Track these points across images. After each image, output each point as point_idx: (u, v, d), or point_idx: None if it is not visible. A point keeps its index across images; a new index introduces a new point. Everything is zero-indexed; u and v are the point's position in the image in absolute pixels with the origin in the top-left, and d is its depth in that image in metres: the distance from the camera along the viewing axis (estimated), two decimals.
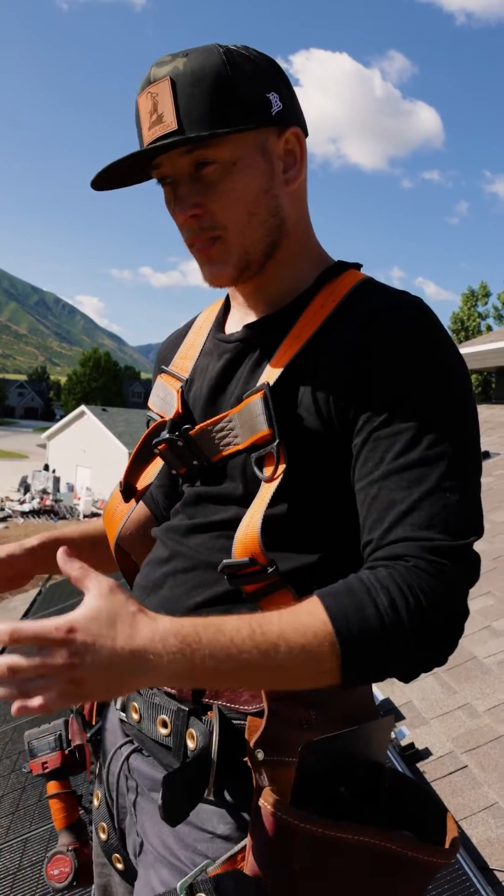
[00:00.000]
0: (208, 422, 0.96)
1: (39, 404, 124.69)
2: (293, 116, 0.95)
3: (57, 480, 32.77)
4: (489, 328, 30.99)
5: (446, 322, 31.76)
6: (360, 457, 0.87)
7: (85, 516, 26.72)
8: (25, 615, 6.29)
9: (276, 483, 0.87)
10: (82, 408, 38.28)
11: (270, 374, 0.92)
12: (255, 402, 0.90)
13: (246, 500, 0.92)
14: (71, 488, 33.67)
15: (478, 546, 0.91)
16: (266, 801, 0.77)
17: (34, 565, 1.16)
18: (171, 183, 0.93)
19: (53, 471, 35.63)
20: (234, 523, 0.91)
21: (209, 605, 0.93)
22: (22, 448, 55.41)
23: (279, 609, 0.77)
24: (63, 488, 33.26)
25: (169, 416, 1.04)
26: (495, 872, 1.79)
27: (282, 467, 0.86)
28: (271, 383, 0.90)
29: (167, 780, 0.80)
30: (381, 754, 0.90)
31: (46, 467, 37.12)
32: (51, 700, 0.66)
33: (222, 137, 0.88)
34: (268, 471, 0.88)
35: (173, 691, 0.93)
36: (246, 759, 0.83)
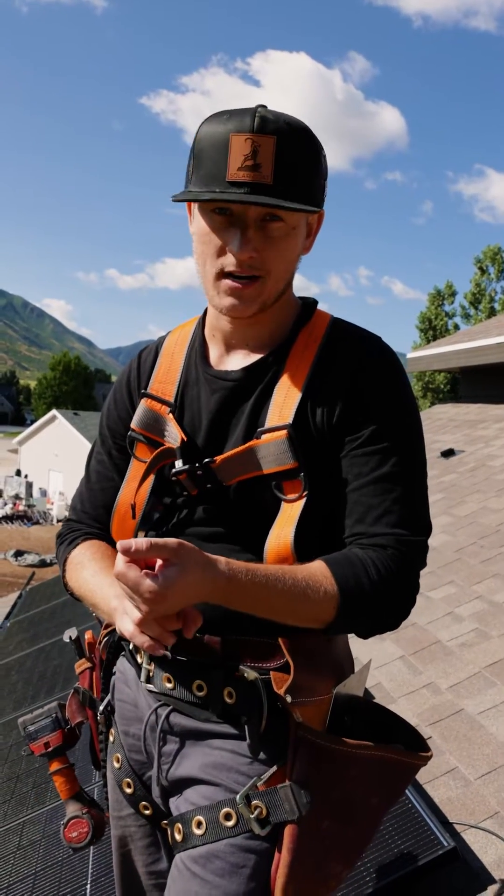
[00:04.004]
0: (232, 453, 1.13)
1: (9, 409, 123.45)
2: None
3: (29, 485, 32.59)
4: (456, 327, 31.49)
5: (415, 322, 32.21)
6: (342, 470, 1.12)
7: (58, 520, 26.63)
8: (7, 618, 6.40)
9: (301, 502, 1.09)
10: (53, 412, 38.05)
11: (283, 414, 1.12)
12: (282, 440, 1.10)
13: (260, 516, 1.12)
14: (44, 493, 33.50)
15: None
16: (310, 732, 1.05)
17: None
18: (230, 216, 1.07)
19: (26, 476, 35.42)
20: (252, 533, 1.12)
21: None
22: None
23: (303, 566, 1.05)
24: (36, 493, 33.08)
25: (172, 441, 1.19)
26: (455, 826, 2.01)
27: (306, 492, 1.09)
28: (290, 421, 1.10)
29: (249, 726, 1.09)
30: (362, 690, 1.18)
31: (18, 472, 36.89)
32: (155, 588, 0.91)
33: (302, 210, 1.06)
34: (291, 494, 1.10)
35: (204, 658, 1.14)
36: (280, 702, 1.06)
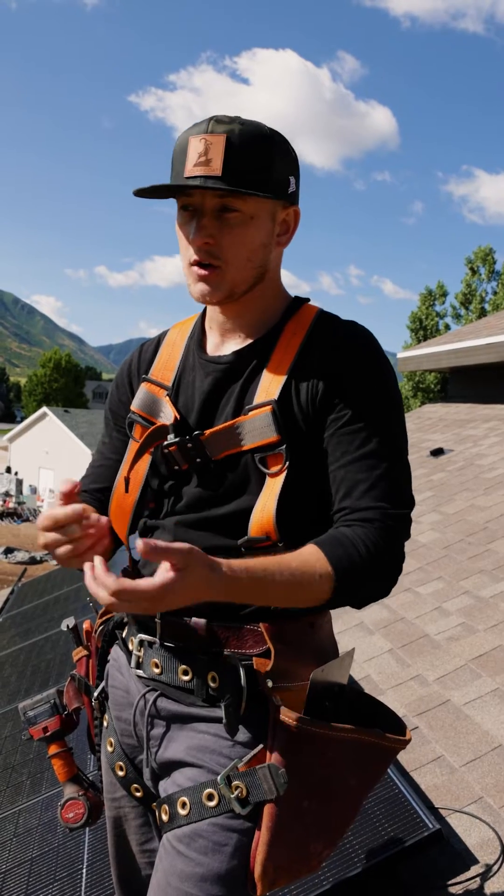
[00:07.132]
0: (220, 427, 1.19)
1: None
2: (297, 199, 1.22)
3: (19, 483, 32.53)
4: (447, 327, 31.60)
5: (406, 321, 32.30)
6: (328, 448, 1.17)
7: None
8: None
9: (283, 476, 1.14)
10: (44, 409, 38.00)
11: (269, 392, 1.18)
12: (266, 415, 1.16)
13: (245, 491, 1.17)
14: (34, 490, 33.46)
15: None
16: (287, 715, 1.09)
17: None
18: (192, 211, 1.15)
19: (16, 473, 35.34)
20: (234, 516, 1.17)
21: None
22: None
23: (294, 553, 1.08)
24: (26, 490, 33.03)
25: (166, 421, 1.26)
26: (440, 810, 2.08)
27: (287, 464, 1.15)
28: (275, 398, 1.16)
29: (227, 707, 1.12)
30: (346, 677, 1.22)
31: (9, 469, 36.80)
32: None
33: (250, 195, 1.13)
34: (274, 468, 1.16)
35: (187, 645, 1.18)
36: (261, 687, 1.11)
